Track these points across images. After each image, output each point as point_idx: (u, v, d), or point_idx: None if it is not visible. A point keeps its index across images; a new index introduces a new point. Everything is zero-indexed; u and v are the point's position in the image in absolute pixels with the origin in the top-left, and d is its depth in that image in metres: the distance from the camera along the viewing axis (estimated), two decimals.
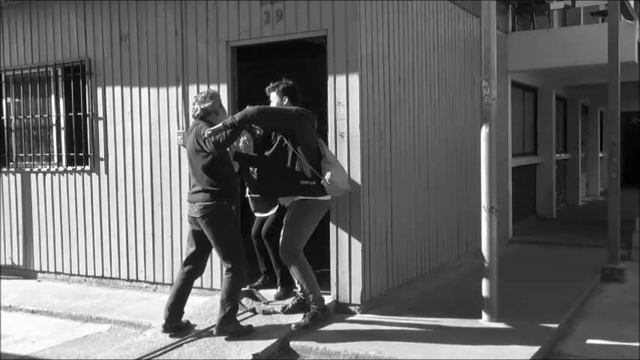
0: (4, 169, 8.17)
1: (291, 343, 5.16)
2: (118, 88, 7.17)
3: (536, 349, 4.94)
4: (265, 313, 5.71)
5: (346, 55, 5.86)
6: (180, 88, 6.75)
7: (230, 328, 5.22)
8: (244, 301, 5.90)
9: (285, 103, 5.46)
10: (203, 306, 6.10)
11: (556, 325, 5.50)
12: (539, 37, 10.26)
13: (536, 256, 9.02)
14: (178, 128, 6.75)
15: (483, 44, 5.67)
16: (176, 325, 5.35)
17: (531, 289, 6.86)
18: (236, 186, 5.25)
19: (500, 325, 5.55)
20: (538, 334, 5.30)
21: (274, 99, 5.50)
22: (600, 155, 17.28)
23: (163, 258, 6.94)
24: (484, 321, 5.65)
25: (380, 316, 5.85)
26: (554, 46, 9.94)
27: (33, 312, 6.61)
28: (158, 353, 5.00)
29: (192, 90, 6.64)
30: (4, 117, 8.24)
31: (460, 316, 5.77)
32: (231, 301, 5.21)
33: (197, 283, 6.62)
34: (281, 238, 5.44)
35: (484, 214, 5.66)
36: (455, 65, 8.02)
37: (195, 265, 5.36)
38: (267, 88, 5.63)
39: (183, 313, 5.40)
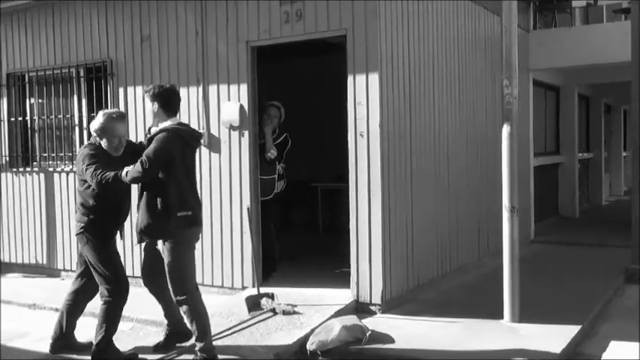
0: (28, 169, 8.27)
1: (311, 344, 5.15)
2: (139, 89, 7.22)
3: (559, 349, 4.90)
4: (286, 313, 5.72)
5: (366, 54, 5.85)
6: (200, 89, 6.78)
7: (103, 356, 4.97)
8: (263, 301, 5.91)
9: (155, 110, 4.85)
10: (224, 305, 6.13)
11: (579, 326, 5.44)
12: (561, 35, 10.16)
13: (558, 256, 8.93)
14: (199, 128, 6.78)
15: (504, 43, 5.62)
16: None
17: (553, 290, 6.79)
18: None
19: (522, 325, 5.50)
20: (561, 334, 5.24)
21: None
22: (624, 154, 17.05)
23: None
24: (505, 321, 5.61)
25: (401, 316, 5.83)
26: (576, 44, 9.84)
27: (56, 310, 6.64)
28: None
29: (213, 90, 6.68)
30: (28, 117, 8.35)
31: (481, 317, 5.73)
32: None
33: (218, 282, 6.70)
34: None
35: (505, 214, 5.62)
36: (476, 64, 7.98)
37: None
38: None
39: None
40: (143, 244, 5.12)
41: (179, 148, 4.72)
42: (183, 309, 4.82)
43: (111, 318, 4.98)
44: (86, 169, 4.82)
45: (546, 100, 11.77)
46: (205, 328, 4.81)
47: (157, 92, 4.87)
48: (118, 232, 5.25)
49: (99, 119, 5.02)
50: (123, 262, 5.40)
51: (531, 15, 10.33)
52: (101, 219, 5.00)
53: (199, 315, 4.80)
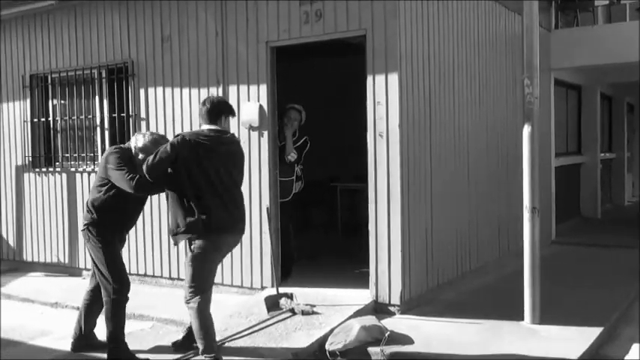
0: (51, 169, 8.37)
1: (330, 344, 5.14)
2: (160, 89, 7.27)
3: (580, 351, 4.85)
4: (304, 313, 5.73)
5: (385, 54, 5.84)
6: (220, 89, 6.80)
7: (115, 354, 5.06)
8: (282, 301, 5.92)
9: (200, 113, 4.98)
10: (244, 304, 6.16)
11: (601, 329, 5.38)
12: (583, 34, 10.06)
13: (579, 257, 8.84)
14: None
15: (525, 42, 5.58)
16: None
17: (575, 292, 6.72)
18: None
19: (543, 327, 5.46)
20: (582, 336, 5.19)
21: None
22: None
23: None
24: (526, 323, 5.57)
25: (420, 317, 5.81)
26: (598, 43, 9.73)
27: (78, 309, 6.73)
28: None
29: (233, 90, 6.70)
30: (51, 118, 8.44)
31: (502, 318, 5.70)
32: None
33: (237, 282, 6.73)
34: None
35: (526, 215, 5.57)
36: (496, 63, 7.93)
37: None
38: None
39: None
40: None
41: (190, 151, 4.69)
42: (188, 307, 4.84)
43: (114, 315, 5.04)
44: (119, 170, 4.88)
45: (568, 100, 11.65)
46: (209, 332, 4.80)
47: (207, 98, 5.02)
48: (122, 236, 5.30)
49: (145, 138, 5.06)
50: (127, 262, 5.44)
51: (553, 14, 10.24)
52: (104, 221, 5.06)
53: (205, 317, 4.80)
